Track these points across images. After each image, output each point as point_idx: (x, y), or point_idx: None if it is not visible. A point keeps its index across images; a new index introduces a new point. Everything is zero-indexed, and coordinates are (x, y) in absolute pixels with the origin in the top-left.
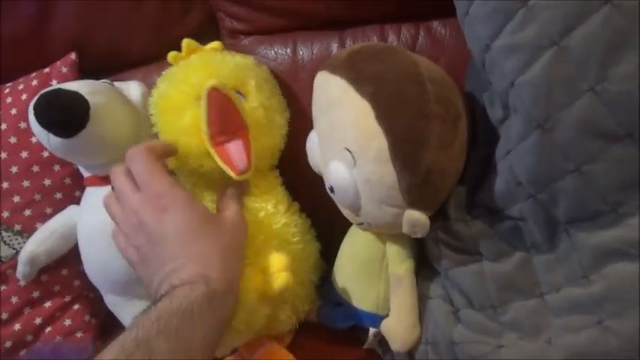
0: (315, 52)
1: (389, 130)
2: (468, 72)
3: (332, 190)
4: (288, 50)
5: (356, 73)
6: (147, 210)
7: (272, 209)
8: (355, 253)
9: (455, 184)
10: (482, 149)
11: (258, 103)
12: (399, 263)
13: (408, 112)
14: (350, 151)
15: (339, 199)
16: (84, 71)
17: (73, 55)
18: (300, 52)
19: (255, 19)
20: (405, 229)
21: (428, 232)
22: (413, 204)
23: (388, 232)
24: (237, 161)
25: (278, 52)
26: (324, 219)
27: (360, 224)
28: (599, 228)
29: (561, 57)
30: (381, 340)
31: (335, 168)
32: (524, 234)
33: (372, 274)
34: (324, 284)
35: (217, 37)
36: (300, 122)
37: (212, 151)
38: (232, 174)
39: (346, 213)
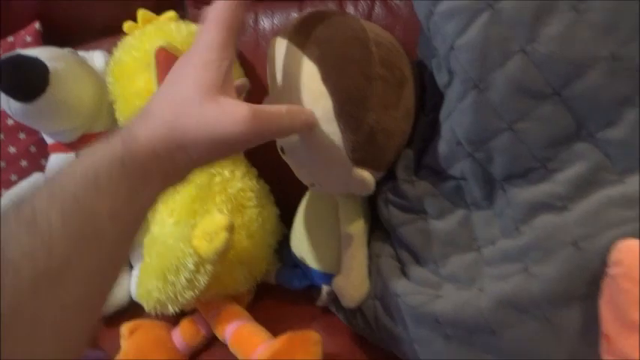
0: (275, 22)
1: (333, 90)
2: (420, 40)
3: (282, 150)
4: (250, 21)
5: (304, 37)
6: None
7: (228, 175)
8: (310, 214)
9: (402, 145)
10: (430, 114)
11: None
12: (350, 223)
13: (351, 73)
14: None
15: (290, 160)
16: (49, 42)
17: (36, 25)
18: (262, 22)
19: None
20: (352, 188)
21: (379, 194)
22: (358, 162)
23: (338, 192)
24: None
25: None
26: (283, 185)
27: (312, 185)
28: (531, 183)
29: (495, 19)
30: (334, 297)
31: None
32: (466, 192)
33: (326, 234)
34: (283, 247)
35: (182, 7)
36: (260, 90)
37: None
38: None
39: (298, 174)
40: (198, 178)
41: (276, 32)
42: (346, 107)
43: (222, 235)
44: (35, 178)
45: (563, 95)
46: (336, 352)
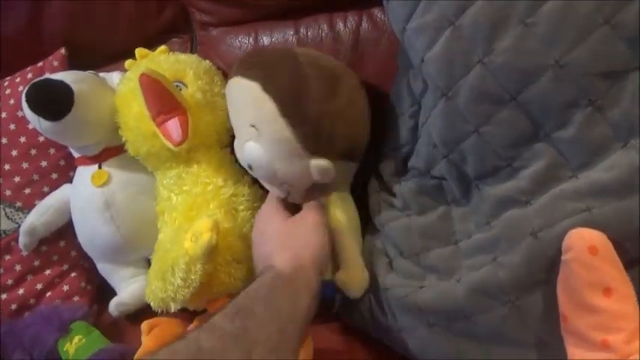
0: (273, 39)
1: (273, 93)
2: (399, 52)
3: (250, 167)
4: (251, 39)
5: (245, 67)
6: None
7: (221, 182)
8: None
9: (358, 131)
10: (410, 120)
11: (196, 87)
12: (340, 219)
13: (285, 77)
14: (253, 126)
15: (259, 174)
16: (74, 65)
17: (62, 50)
18: (261, 41)
19: (222, 12)
20: (314, 177)
21: (372, 194)
22: (314, 152)
23: (307, 187)
24: (174, 135)
25: (242, 40)
26: None
27: (288, 194)
28: (499, 181)
29: (457, 34)
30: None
31: (248, 147)
32: (446, 191)
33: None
34: None
35: (190, 31)
36: None
37: (156, 130)
38: (171, 145)
39: (271, 188)
40: (195, 188)
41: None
42: (288, 104)
43: (207, 235)
44: (65, 189)
45: (519, 100)
46: (340, 349)
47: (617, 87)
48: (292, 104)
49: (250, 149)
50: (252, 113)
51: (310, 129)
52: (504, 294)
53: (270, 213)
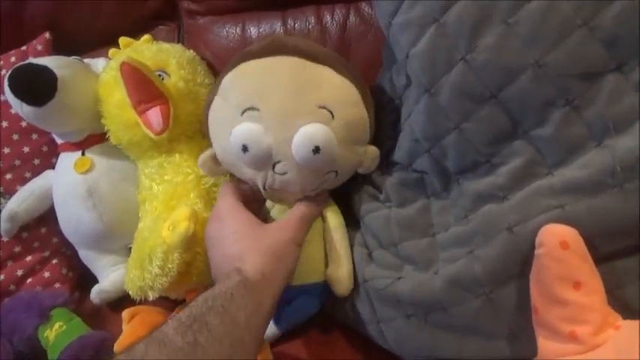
0: (261, 30)
1: (351, 78)
2: (384, 46)
3: (317, 150)
4: (238, 29)
5: (295, 49)
6: (211, 222)
7: (202, 172)
8: None
9: None
10: (390, 115)
11: (179, 77)
12: (333, 219)
13: (350, 64)
14: (326, 107)
15: (321, 157)
16: (58, 50)
17: (47, 35)
18: (248, 31)
19: (209, 1)
20: (366, 164)
21: (355, 186)
22: (371, 140)
23: (348, 176)
24: (155, 124)
25: (229, 30)
26: None
27: (323, 183)
28: (478, 176)
29: (441, 31)
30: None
31: (312, 129)
32: (427, 184)
33: (317, 246)
34: None
35: (177, 19)
36: None
37: (137, 119)
38: (152, 135)
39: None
40: (176, 177)
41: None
42: (364, 90)
43: (184, 224)
44: (47, 175)
45: (500, 98)
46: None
47: (593, 88)
48: (365, 90)
49: (319, 130)
50: (329, 94)
51: (373, 117)
52: (479, 286)
53: (234, 210)
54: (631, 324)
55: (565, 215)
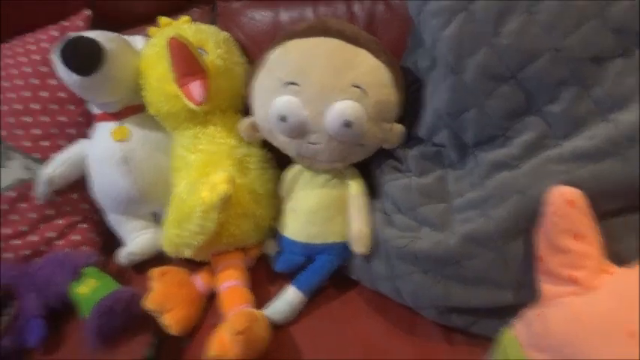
0: (292, 16)
1: (387, 63)
2: (411, 32)
3: (349, 124)
4: (271, 13)
5: (338, 32)
6: None
7: (235, 143)
8: (322, 197)
9: None
10: (414, 94)
11: (216, 55)
12: (359, 187)
13: (385, 50)
14: (358, 86)
15: (351, 131)
16: (97, 28)
17: (87, 12)
18: (281, 16)
19: None
20: (392, 140)
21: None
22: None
23: (375, 149)
24: (196, 96)
25: (263, 14)
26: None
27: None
28: (494, 148)
29: (470, 18)
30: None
31: (345, 105)
32: (444, 156)
33: (339, 208)
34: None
35: (211, 2)
36: None
37: (179, 91)
38: (193, 105)
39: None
40: (210, 147)
41: (293, 26)
42: (397, 74)
43: (222, 186)
44: (81, 143)
45: (519, 78)
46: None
47: (602, 70)
48: (398, 74)
49: (352, 107)
50: (364, 74)
51: (404, 97)
52: (492, 241)
53: None
54: (624, 270)
55: (572, 179)
